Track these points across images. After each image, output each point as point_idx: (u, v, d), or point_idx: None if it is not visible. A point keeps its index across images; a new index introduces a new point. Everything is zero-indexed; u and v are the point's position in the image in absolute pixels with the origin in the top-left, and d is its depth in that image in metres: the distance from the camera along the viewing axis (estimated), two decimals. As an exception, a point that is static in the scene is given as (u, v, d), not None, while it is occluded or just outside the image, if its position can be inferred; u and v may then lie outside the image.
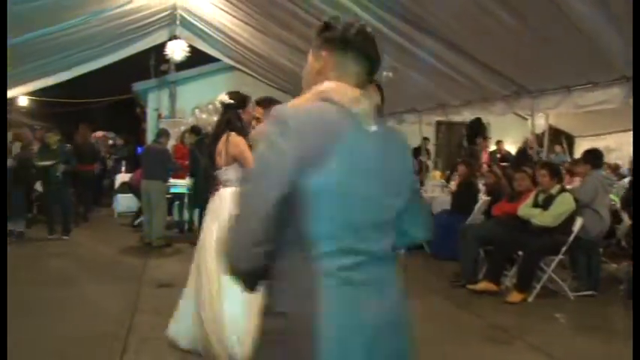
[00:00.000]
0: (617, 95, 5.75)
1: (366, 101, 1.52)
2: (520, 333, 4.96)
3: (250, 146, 4.00)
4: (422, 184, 9.65)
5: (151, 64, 15.35)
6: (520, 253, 5.97)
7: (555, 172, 6.19)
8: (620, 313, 5.74)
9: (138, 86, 14.60)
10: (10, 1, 6.25)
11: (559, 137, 11.86)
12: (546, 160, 7.62)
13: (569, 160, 10.83)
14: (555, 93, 6.66)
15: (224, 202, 3.93)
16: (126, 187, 11.17)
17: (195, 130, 10.02)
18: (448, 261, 7.30)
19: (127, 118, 18.66)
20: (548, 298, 5.91)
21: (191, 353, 3.93)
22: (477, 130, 10.36)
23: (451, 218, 7.66)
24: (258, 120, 4.09)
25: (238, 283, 1.53)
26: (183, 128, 12.17)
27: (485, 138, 12.26)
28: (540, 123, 8.42)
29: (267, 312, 1.48)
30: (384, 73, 7.82)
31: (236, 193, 1.47)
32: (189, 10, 9.78)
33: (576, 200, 5.99)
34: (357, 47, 1.59)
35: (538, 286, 5.88)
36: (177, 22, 10.54)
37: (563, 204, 5.91)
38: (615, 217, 6.99)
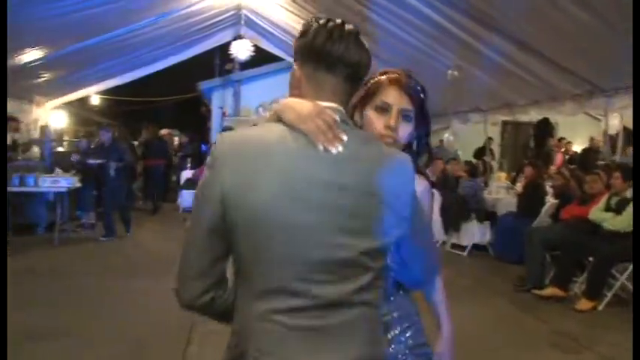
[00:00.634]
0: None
1: (327, 117, 1.29)
2: (589, 343, 4.75)
3: None
4: (486, 184, 9.43)
5: (215, 63, 15.65)
6: (590, 258, 5.72)
7: (629, 174, 5.91)
8: (698, 325, 5.42)
9: (203, 85, 14.91)
10: (82, 5, 6.49)
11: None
12: (620, 162, 7.27)
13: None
14: (631, 92, 6.34)
15: None
16: (190, 184, 11.39)
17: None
18: (513, 264, 7.11)
19: (193, 116, 19.08)
20: (620, 307, 5.63)
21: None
22: (545, 130, 10.04)
23: (516, 220, 7.45)
24: None
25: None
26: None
27: (561, 139, 11.89)
28: (614, 123, 8.05)
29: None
30: (449, 72, 7.68)
31: None
32: (254, 10, 9.89)
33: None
34: (328, 55, 1.34)
35: (609, 295, 5.62)
36: (242, 22, 10.68)
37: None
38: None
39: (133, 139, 13.76)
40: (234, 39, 11.07)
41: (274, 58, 13.06)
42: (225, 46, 11.28)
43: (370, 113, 1.65)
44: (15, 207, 8.33)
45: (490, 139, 10.76)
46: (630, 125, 7.66)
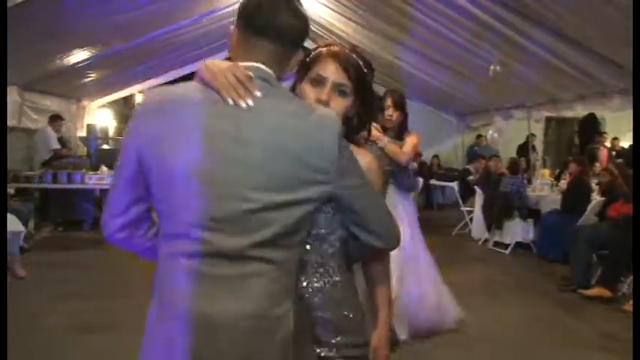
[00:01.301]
0: None
1: (239, 74, 1.33)
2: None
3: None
4: (529, 182, 9.25)
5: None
6: (638, 258, 5.56)
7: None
8: None
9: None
10: (128, 7, 6.64)
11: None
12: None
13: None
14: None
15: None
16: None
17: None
18: (557, 263, 6.97)
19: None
20: (670, 308, 5.47)
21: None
22: (591, 126, 9.79)
23: (561, 218, 7.30)
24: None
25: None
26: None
27: (602, 134, 11.58)
28: (666, 118, 7.79)
29: None
30: (491, 67, 7.56)
31: None
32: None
33: None
34: (258, 19, 1.37)
35: (659, 295, 5.45)
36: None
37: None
38: None
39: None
40: (275, 37, 11.14)
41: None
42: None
43: (305, 85, 1.64)
44: (63, 203, 8.59)
45: (533, 135, 10.55)
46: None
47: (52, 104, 9.62)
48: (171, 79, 11.61)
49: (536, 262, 7.47)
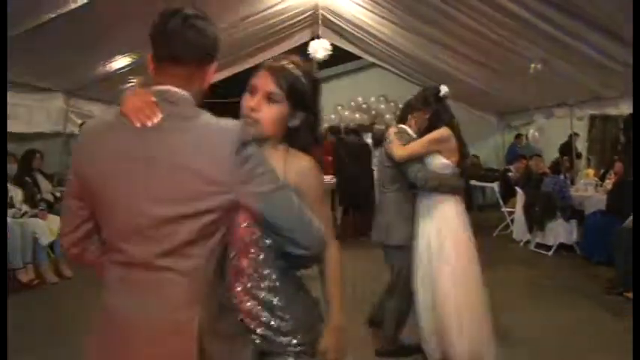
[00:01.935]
0: None
1: (144, 98, 1.48)
2: (687, 349, 4.47)
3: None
4: (572, 182, 9.05)
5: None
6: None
7: None
8: None
9: (282, 85, 15.11)
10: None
11: None
12: None
13: None
14: None
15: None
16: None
17: (333, 130, 10.13)
18: (602, 265, 6.81)
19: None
20: None
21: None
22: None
23: (606, 219, 7.11)
24: None
25: None
26: (326, 125, 12.45)
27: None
28: None
29: None
30: (532, 65, 7.43)
31: None
32: (331, 10, 9.94)
33: None
34: (159, 44, 1.54)
35: None
36: (319, 22, 10.75)
37: None
38: None
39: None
40: (312, 39, 11.15)
41: (352, 57, 13.07)
42: (303, 46, 11.38)
43: (245, 95, 1.79)
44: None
45: (576, 134, 10.31)
46: None
47: (96, 110, 9.84)
48: (210, 82, 11.76)
49: (580, 264, 7.30)
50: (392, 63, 11.40)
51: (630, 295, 5.62)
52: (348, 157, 8.67)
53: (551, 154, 10.52)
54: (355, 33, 10.49)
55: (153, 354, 1.45)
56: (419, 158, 4.02)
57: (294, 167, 1.71)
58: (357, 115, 13.55)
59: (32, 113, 7.62)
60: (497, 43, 7.29)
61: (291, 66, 1.76)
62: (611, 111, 8.88)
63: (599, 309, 5.50)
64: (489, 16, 6.49)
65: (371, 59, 11.92)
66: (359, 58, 12.60)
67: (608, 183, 8.08)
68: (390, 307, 4.20)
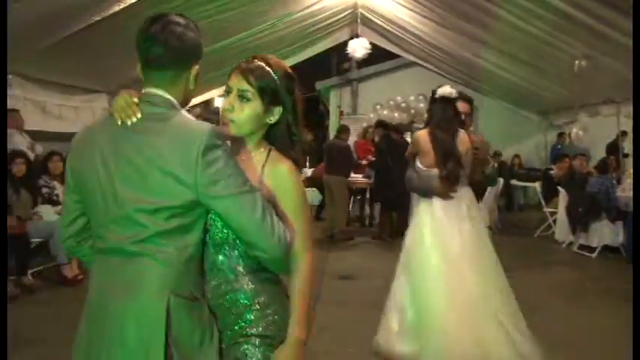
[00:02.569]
0: None
1: (127, 99, 1.64)
2: None
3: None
4: (619, 182, 8.81)
5: (333, 62, 15.83)
6: None
7: None
8: None
9: (320, 84, 15.14)
10: (207, 13, 6.85)
11: None
12: None
13: None
14: None
15: (464, 202, 4.02)
16: (310, 182, 11.64)
17: (382, 125, 10.03)
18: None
19: (312, 115, 19.48)
20: None
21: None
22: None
23: (653, 221, 6.91)
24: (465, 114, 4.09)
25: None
26: (365, 124, 12.41)
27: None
28: None
29: None
30: (576, 62, 7.26)
31: None
32: (370, 8, 9.91)
33: None
34: (140, 52, 1.65)
35: None
36: (358, 21, 10.73)
37: None
38: None
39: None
40: (351, 38, 11.15)
41: (391, 56, 13.00)
42: (342, 45, 11.38)
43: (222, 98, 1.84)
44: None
45: (624, 132, 10.02)
46: None
47: (138, 110, 10.06)
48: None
49: (626, 267, 7.09)
50: (431, 61, 11.29)
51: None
52: (390, 155, 8.60)
53: (597, 153, 10.26)
54: (394, 31, 10.43)
55: (123, 338, 1.54)
56: (412, 159, 4.15)
57: (272, 171, 1.75)
58: (395, 115, 13.46)
59: (79, 113, 7.82)
60: (540, 39, 7.15)
61: (261, 63, 1.78)
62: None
63: (645, 313, 5.35)
64: (529, 10, 6.37)
65: (410, 58, 11.84)
66: (398, 56, 12.53)
67: (656, 183, 7.85)
68: None
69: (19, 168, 5.94)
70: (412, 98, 13.15)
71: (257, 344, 1.72)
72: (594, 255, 7.61)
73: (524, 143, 13.11)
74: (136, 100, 1.63)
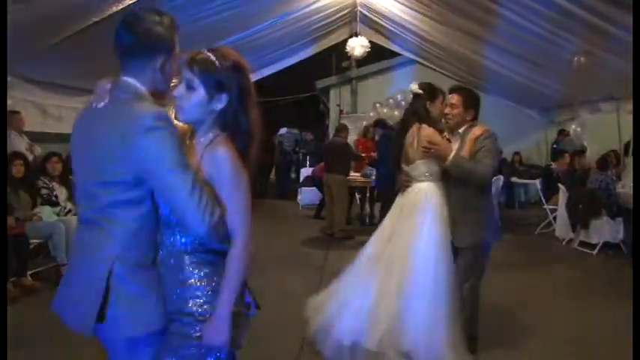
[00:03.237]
0: None
1: (102, 85, 1.90)
2: None
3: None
4: (619, 178, 8.78)
5: (332, 61, 15.81)
6: None
7: None
8: None
9: (320, 83, 15.13)
10: (206, 13, 6.84)
11: None
12: None
13: None
14: None
15: (418, 197, 3.95)
16: (310, 181, 11.63)
17: (380, 123, 10.05)
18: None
19: (312, 114, 19.46)
20: None
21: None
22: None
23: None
24: (452, 106, 3.97)
25: None
26: (365, 123, 12.40)
27: None
28: None
29: None
30: (575, 59, 7.25)
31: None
32: (369, 7, 9.92)
33: None
34: (115, 44, 1.88)
35: None
36: (358, 19, 10.74)
37: None
38: None
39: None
40: (350, 36, 11.15)
41: (391, 54, 13.01)
42: (342, 44, 11.39)
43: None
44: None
45: None
46: None
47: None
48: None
49: (627, 264, 7.08)
50: (431, 59, 11.31)
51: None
52: (390, 155, 8.58)
53: (597, 149, 10.23)
54: (394, 29, 10.43)
55: (76, 294, 1.85)
56: None
57: (211, 155, 1.84)
58: (395, 113, 13.45)
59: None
60: (538, 35, 7.14)
61: (208, 54, 1.91)
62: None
63: (646, 309, 5.34)
64: (528, 7, 6.36)
65: (410, 56, 11.85)
66: (397, 54, 12.53)
67: (657, 179, 7.83)
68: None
69: (17, 169, 5.93)
70: (412, 96, 13.16)
71: (198, 319, 1.86)
72: (595, 252, 7.60)
73: (525, 140, 13.09)
74: (108, 86, 1.87)
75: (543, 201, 9.54)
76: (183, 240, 1.87)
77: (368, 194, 10.34)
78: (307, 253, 7.68)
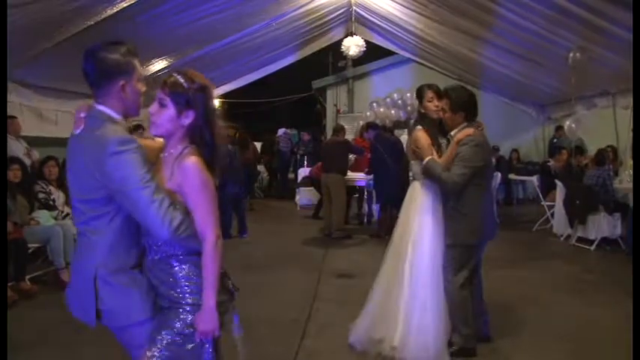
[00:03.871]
0: None
1: (79, 112, 2.15)
2: None
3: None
4: (616, 174, 8.78)
5: (328, 61, 15.80)
6: None
7: None
8: None
9: (317, 83, 15.13)
10: (202, 14, 6.85)
11: None
12: None
13: None
14: None
15: (412, 195, 4.09)
16: (308, 181, 11.63)
17: (371, 126, 10.07)
18: (648, 259, 6.60)
19: (309, 114, 19.45)
20: None
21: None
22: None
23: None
24: (442, 111, 3.99)
25: None
26: (361, 122, 12.40)
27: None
28: None
29: None
30: (570, 54, 7.26)
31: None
32: (364, 6, 9.91)
33: None
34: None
35: None
36: (353, 19, 10.74)
37: None
38: None
39: (254, 140, 14.21)
40: (346, 36, 11.15)
41: (387, 53, 13.00)
42: (338, 44, 11.38)
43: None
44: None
45: None
46: None
47: (135, 112, 10.05)
48: (245, 83, 11.85)
49: (625, 259, 7.08)
50: (427, 58, 11.30)
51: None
52: (386, 154, 8.59)
53: (594, 145, 10.23)
54: (389, 29, 10.43)
55: (76, 294, 2.17)
56: None
57: (180, 166, 2.07)
58: (392, 112, 13.46)
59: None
60: (533, 32, 7.15)
61: (178, 76, 2.14)
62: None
63: (644, 304, 5.35)
64: (523, 4, 6.37)
65: (406, 55, 11.84)
66: (393, 53, 12.53)
67: (653, 174, 7.83)
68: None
69: (14, 174, 5.93)
70: (408, 95, 13.15)
71: (188, 310, 2.13)
72: (592, 247, 7.61)
73: (522, 137, 13.11)
74: (83, 114, 2.13)
75: (541, 197, 9.55)
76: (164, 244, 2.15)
77: (366, 194, 10.34)
78: (306, 253, 7.68)
